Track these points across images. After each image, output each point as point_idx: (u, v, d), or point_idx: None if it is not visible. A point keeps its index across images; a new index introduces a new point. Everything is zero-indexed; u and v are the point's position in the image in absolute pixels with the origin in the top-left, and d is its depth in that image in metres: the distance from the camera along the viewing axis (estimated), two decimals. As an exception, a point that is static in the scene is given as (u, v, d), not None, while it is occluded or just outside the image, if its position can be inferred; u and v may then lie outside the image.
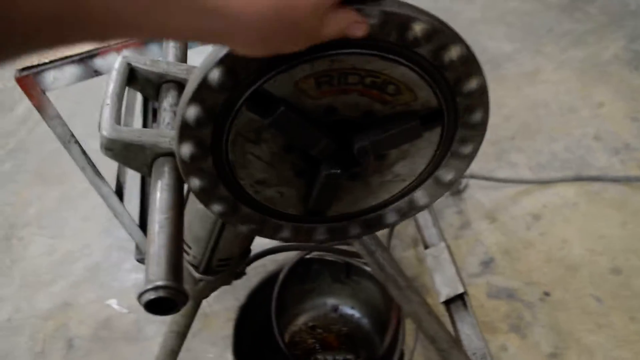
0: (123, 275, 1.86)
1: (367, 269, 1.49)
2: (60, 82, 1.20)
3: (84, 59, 1.18)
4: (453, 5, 2.72)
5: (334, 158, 0.58)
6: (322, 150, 0.57)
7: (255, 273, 1.63)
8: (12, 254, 1.97)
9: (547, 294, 1.63)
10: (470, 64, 0.54)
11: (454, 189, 1.89)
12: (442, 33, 0.51)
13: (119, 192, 1.48)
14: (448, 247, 1.27)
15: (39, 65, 1.17)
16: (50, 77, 1.19)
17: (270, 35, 0.45)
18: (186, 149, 0.55)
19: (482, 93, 0.57)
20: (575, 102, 2.16)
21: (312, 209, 0.64)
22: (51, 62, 1.17)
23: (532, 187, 1.90)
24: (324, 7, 0.45)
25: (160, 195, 0.63)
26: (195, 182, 0.58)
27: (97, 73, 1.20)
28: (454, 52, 0.52)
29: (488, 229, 1.81)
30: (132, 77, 0.78)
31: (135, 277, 1.84)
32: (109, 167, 1.27)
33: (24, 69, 1.17)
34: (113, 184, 1.42)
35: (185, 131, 0.54)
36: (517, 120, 2.12)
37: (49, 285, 1.85)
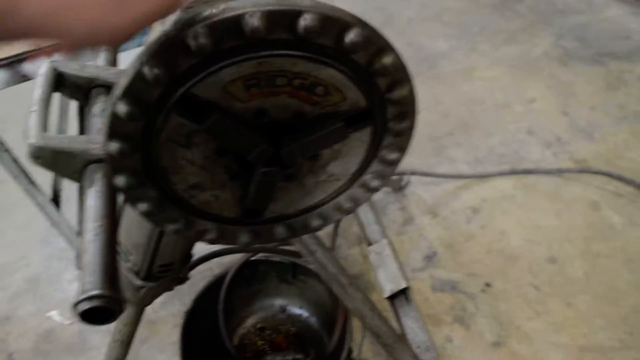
0: (64, 286, 1.80)
1: (313, 267, 1.50)
2: (-13, 88, 1.16)
3: (11, 64, 1.14)
4: (389, 5, 2.77)
5: (268, 160, 0.59)
6: (258, 155, 0.57)
7: (201, 277, 1.62)
8: (-57, 268, 1.87)
9: (488, 284, 1.68)
10: (400, 71, 0.56)
11: (396, 185, 1.93)
12: (375, 40, 0.52)
13: (56, 200, 1.43)
14: (390, 243, 1.29)
15: (-37, 71, 1.13)
16: (-24, 83, 1.14)
17: None
18: (115, 146, 0.54)
19: (410, 99, 0.59)
20: (509, 97, 2.24)
21: (249, 208, 0.64)
22: (-23, 67, 1.13)
23: (471, 182, 1.96)
24: None
25: (92, 203, 0.62)
26: (122, 180, 0.57)
27: (25, 78, 1.16)
28: (386, 60, 0.54)
29: (430, 224, 1.86)
30: (60, 83, 0.76)
31: (76, 287, 1.78)
32: (44, 174, 1.23)
33: (-53, 76, 1.12)
34: (49, 192, 1.37)
35: (115, 127, 0.53)
36: (454, 117, 2.18)
37: (-15, 299, 1.77)
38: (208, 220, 0.66)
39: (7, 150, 1.22)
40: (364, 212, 1.35)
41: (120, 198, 0.66)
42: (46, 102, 0.69)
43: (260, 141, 0.56)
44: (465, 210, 1.88)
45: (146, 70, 0.49)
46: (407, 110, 0.61)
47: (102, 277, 0.54)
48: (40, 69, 0.74)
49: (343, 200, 0.70)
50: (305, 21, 0.49)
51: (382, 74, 0.56)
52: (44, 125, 0.66)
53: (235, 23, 0.48)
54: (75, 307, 0.53)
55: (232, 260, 1.51)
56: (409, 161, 2.02)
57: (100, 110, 0.73)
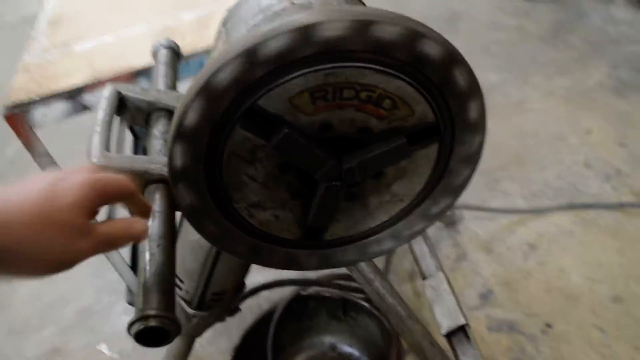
0: (114, 319, 1.80)
1: (365, 304, 1.46)
2: (49, 118, 1.19)
3: (72, 95, 1.17)
4: (437, 39, 2.77)
5: (332, 177, 0.56)
6: (326, 172, 0.55)
7: (249, 313, 1.59)
8: (-1, 300, 1.91)
9: (548, 325, 1.59)
10: (471, 85, 0.54)
11: (449, 220, 1.87)
12: (449, 54, 0.51)
13: (109, 232, 1.44)
14: (447, 277, 1.24)
15: (27, 102, 1.16)
16: (38, 113, 1.17)
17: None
18: (179, 159, 0.53)
19: (480, 114, 0.57)
20: (563, 129, 2.17)
21: (310, 227, 0.62)
22: (40, 99, 1.17)
23: (526, 217, 1.88)
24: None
25: (151, 222, 0.61)
26: (185, 197, 0.56)
27: (85, 108, 1.19)
28: (457, 73, 0.52)
29: (485, 260, 1.79)
30: (122, 106, 0.76)
31: (126, 320, 1.77)
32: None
33: (13, 107, 1.16)
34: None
35: (180, 138, 0.52)
36: (507, 150, 2.12)
37: (38, 330, 1.79)
38: (267, 243, 0.64)
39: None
40: (418, 244, 1.31)
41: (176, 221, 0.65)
42: (108, 124, 0.70)
43: (327, 158, 0.54)
44: (521, 246, 1.80)
45: (215, 79, 0.48)
46: (477, 126, 0.58)
47: (158, 297, 0.53)
48: (103, 92, 0.75)
49: (405, 224, 0.67)
50: (381, 33, 0.48)
51: (453, 88, 0.53)
52: (106, 145, 0.66)
53: (306, 33, 0.47)
54: (130, 328, 0.52)
55: (282, 295, 1.48)
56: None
57: (161, 133, 0.73)
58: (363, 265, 0.83)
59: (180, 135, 0.51)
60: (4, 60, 3.49)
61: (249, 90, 0.49)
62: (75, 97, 1.17)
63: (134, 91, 0.77)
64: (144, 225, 0.56)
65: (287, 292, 1.48)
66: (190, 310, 0.93)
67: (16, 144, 1.18)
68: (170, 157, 0.53)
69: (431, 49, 0.50)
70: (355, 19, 0.47)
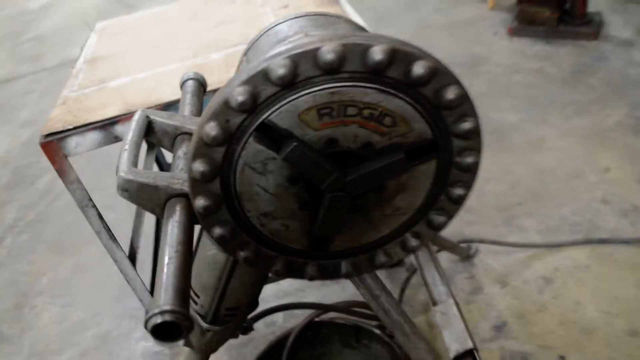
0: (132, 344, 1.84)
1: (378, 332, 1.47)
2: (82, 147, 1.25)
3: (105, 126, 1.24)
4: (458, 81, 2.83)
5: (337, 189, 0.61)
6: (331, 183, 0.60)
7: (264, 340, 1.61)
8: (22, 323, 1.97)
9: (562, 358, 1.58)
10: (466, 104, 0.59)
11: (464, 253, 1.89)
12: (441, 73, 0.56)
13: (132, 258, 1.50)
14: (457, 303, 1.26)
15: (62, 131, 1.24)
16: (72, 142, 1.25)
17: None
18: (198, 167, 0.58)
19: (476, 133, 0.62)
20: (581, 167, 2.19)
21: (316, 236, 0.67)
22: (74, 128, 1.24)
23: (542, 251, 1.89)
24: None
25: (170, 231, 0.66)
26: (201, 202, 0.61)
27: (117, 139, 1.25)
28: (452, 93, 0.57)
29: (500, 294, 1.79)
30: (149, 130, 0.83)
31: (144, 345, 1.82)
32: (123, 235, 1.30)
33: (48, 135, 1.23)
34: (127, 250, 1.44)
35: (201, 149, 0.57)
36: (524, 187, 2.15)
37: (57, 354, 1.84)
38: (276, 252, 0.69)
39: (94, 206, 1.31)
40: (430, 271, 1.33)
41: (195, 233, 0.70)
42: (137, 144, 0.76)
43: (332, 170, 0.60)
44: (537, 280, 1.81)
45: (232, 97, 0.54)
46: (473, 144, 0.63)
47: (174, 295, 0.57)
48: (134, 116, 0.82)
49: (407, 236, 0.71)
50: (374, 54, 0.54)
51: (448, 106, 0.59)
52: (133, 162, 0.72)
53: (312, 55, 0.53)
54: (147, 323, 0.56)
55: (296, 323, 1.51)
56: (477, 230, 1.99)
57: (184, 153, 0.79)
58: (369, 280, 0.87)
59: (201, 143, 0.57)
60: (45, 99, 3.67)
61: (262, 107, 0.56)
62: (107, 127, 1.24)
63: (161, 116, 0.84)
64: None
65: (300, 320, 1.50)
66: (204, 325, 0.97)
67: (48, 177, 1.25)
68: (190, 163, 0.58)
69: (421, 67, 0.55)
70: (352, 43, 0.53)
